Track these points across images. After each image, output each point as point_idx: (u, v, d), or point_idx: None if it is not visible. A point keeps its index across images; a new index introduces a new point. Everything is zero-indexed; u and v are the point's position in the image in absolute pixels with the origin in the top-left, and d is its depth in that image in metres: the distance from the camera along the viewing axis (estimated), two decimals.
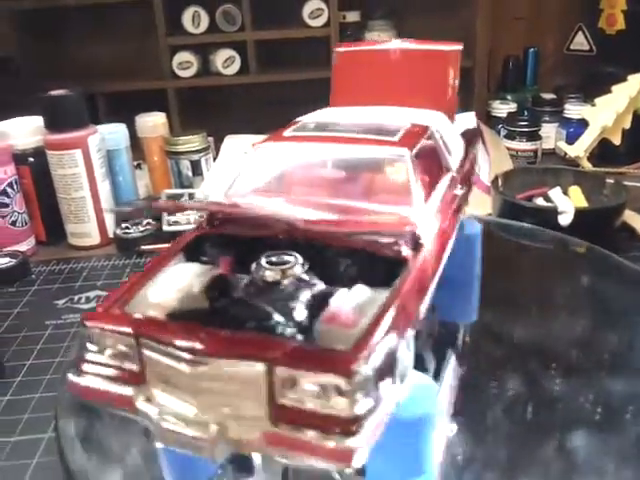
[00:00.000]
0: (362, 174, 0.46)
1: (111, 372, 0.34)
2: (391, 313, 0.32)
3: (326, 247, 0.38)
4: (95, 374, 0.35)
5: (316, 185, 0.46)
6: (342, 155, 0.46)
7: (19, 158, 0.96)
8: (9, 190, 0.92)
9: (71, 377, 0.35)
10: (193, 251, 0.42)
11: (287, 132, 0.50)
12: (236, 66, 1.37)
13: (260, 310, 0.34)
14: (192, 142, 1.06)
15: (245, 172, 0.47)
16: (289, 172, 0.48)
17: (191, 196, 1.07)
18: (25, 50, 1.32)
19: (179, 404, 0.32)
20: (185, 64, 1.36)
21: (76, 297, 0.81)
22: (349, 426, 0.29)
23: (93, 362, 0.35)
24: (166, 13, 1.33)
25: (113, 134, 1.04)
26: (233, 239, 0.41)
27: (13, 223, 0.93)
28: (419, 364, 0.37)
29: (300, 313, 0.34)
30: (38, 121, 0.98)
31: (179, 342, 0.32)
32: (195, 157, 1.11)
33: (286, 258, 0.37)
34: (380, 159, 0.45)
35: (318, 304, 0.35)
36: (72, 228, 0.97)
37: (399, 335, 0.32)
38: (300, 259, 0.37)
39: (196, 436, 0.31)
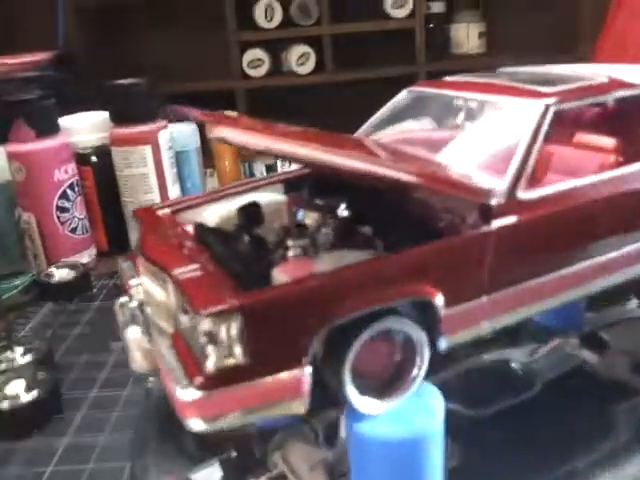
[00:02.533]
0: (480, 128, 0.42)
1: None
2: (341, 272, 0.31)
3: (390, 199, 0.36)
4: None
5: (426, 136, 0.45)
6: (469, 105, 0.43)
7: (81, 158, 0.85)
8: (69, 192, 0.81)
9: None
10: (292, 185, 0.43)
11: (450, 77, 0.49)
12: (311, 64, 1.25)
13: (230, 245, 0.36)
14: None
15: (386, 111, 0.49)
16: (412, 116, 0.48)
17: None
18: (87, 46, 1.24)
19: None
20: (256, 62, 1.24)
21: None
22: (200, 377, 0.28)
23: None
24: (236, 6, 1.22)
25: (182, 133, 0.93)
26: (326, 180, 0.40)
27: (73, 230, 0.82)
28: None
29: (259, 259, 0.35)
30: (102, 116, 0.88)
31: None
32: (271, 160, 0.99)
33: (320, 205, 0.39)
34: (506, 112, 0.40)
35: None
36: None
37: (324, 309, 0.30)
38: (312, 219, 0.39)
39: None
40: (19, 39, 1.15)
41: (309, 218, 0.38)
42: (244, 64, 1.25)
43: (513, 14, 1.38)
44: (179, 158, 0.91)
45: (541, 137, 0.37)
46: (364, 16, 1.27)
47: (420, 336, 0.32)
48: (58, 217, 0.80)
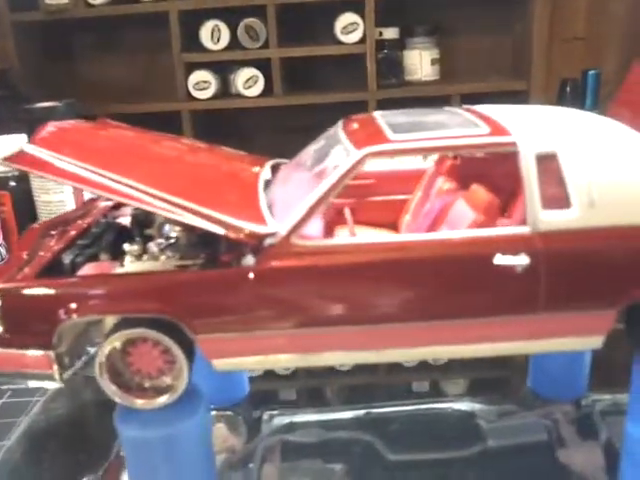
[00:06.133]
0: (319, 170, 0.42)
1: None
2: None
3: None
4: None
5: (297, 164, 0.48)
6: (337, 144, 0.44)
7: None
8: None
9: None
10: None
11: (377, 113, 0.50)
12: (259, 87, 1.22)
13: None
14: None
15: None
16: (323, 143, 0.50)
17: None
18: (27, 66, 1.19)
19: None
20: (202, 84, 1.21)
21: None
22: None
23: None
24: (182, 27, 1.19)
25: None
26: None
27: None
28: None
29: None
30: (22, 140, 0.84)
31: None
32: None
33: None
34: (340, 157, 0.40)
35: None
36: None
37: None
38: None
39: None
40: None
41: (173, 231, 0.42)
42: (190, 86, 1.21)
43: (467, 41, 1.37)
44: None
45: (339, 188, 0.37)
46: (313, 40, 1.25)
47: (177, 351, 0.37)
48: None
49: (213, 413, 0.51)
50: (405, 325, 0.37)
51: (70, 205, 0.79)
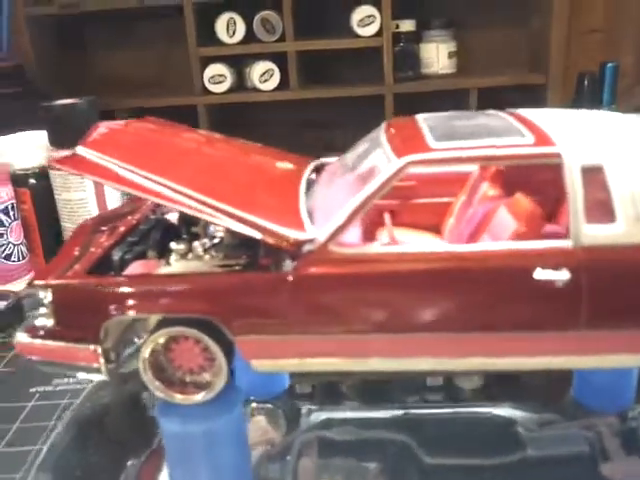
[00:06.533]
0: (357, 175, 0.41)
1: None
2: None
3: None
4: None
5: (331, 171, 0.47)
6: (377, 148, 0.42)
7: (18, 180, 0.80)
8: (3, 217, 0.76)
9: None
10: None
11: (419, 116, 0.48)
12: (275, 80, 1.21)
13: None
14: None
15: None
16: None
17: None
18: (42, 61, 1.19)
19: None
20: (218, 78, 1.20)
21: None
22: (29, 329, 0.40)
23: None
24: (198, 20, 1.18)
25: None
26: None
27: (7, 257, 0.77)
28: None
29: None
30: (42, 137, 0.83)
31: None
32: None
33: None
34: (379, 163, 0.39)
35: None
36: None
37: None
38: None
39: None
40: None
41: (218, 231, 0.43)
42: (205, 80, 1.21)
43: (484, 34, 1.35)
44: None
45: (379, 195, 0.37)
46: (330, 33, 1.24)
47: (216, 349, 0.37)
48: None
49: (253, 405, 0.51)
50: (442, 335, 0.37)
51: (91, 203, 0.78)
